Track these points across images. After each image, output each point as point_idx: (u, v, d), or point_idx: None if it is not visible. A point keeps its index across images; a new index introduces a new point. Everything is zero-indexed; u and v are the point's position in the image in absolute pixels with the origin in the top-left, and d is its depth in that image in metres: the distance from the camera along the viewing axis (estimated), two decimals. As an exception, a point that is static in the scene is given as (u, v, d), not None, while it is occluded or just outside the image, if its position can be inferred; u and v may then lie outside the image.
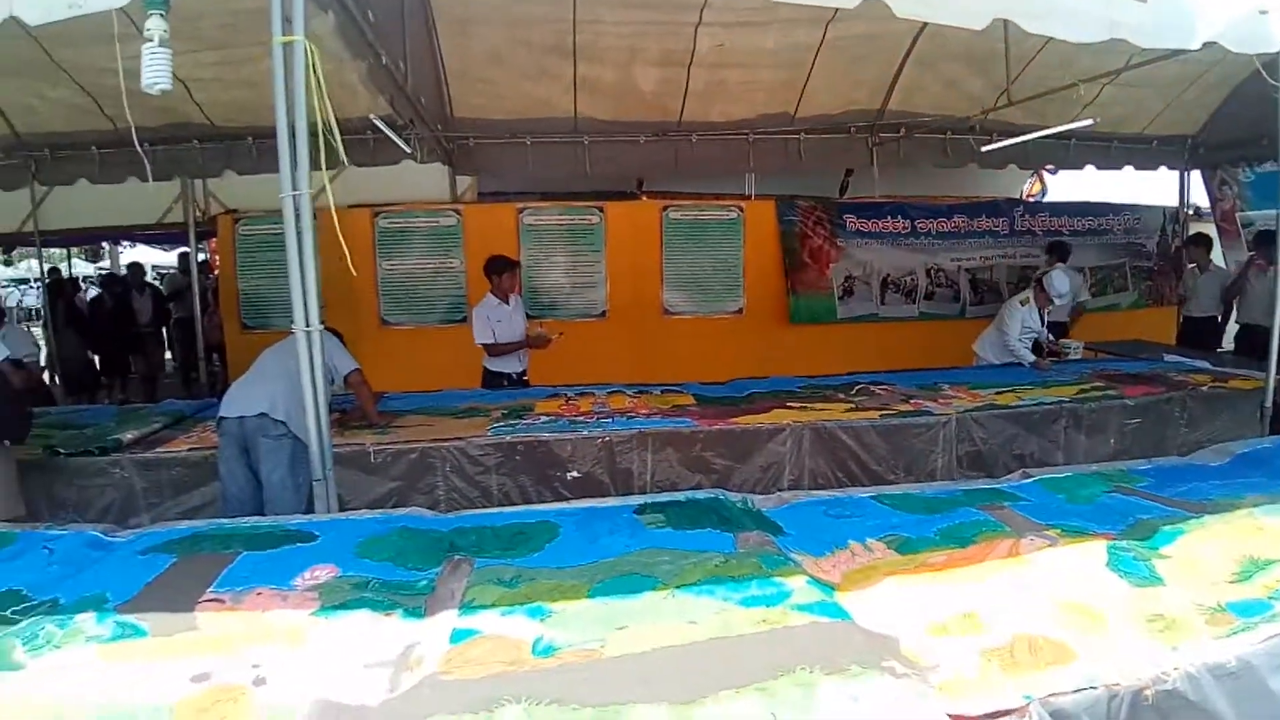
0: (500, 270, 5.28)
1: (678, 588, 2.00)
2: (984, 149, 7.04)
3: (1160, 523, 2.43)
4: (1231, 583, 2.03)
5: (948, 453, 4.02)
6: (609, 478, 3.82)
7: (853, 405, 4.39)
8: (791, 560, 2.18)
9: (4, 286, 16.27)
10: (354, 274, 3.44)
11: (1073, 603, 1.94)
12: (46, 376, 7.62)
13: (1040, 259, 7.56)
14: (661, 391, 4.82)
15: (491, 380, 5.30)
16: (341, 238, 2.81)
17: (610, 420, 4.12)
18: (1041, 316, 5.88)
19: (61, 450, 3.80)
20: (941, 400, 4.46)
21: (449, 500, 3.69)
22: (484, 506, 3.36)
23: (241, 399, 3.69)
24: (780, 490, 3.23)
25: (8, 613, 1.97)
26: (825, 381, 4.98)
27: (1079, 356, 6.12)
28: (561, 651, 1.74)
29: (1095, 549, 2.23)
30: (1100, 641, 1.77)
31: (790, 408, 4.30)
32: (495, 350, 5.23)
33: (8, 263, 16.35)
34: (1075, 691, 1.58)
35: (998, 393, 4.60)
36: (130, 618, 1.94)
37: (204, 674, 1.70)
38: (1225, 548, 2.22)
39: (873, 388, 4.77)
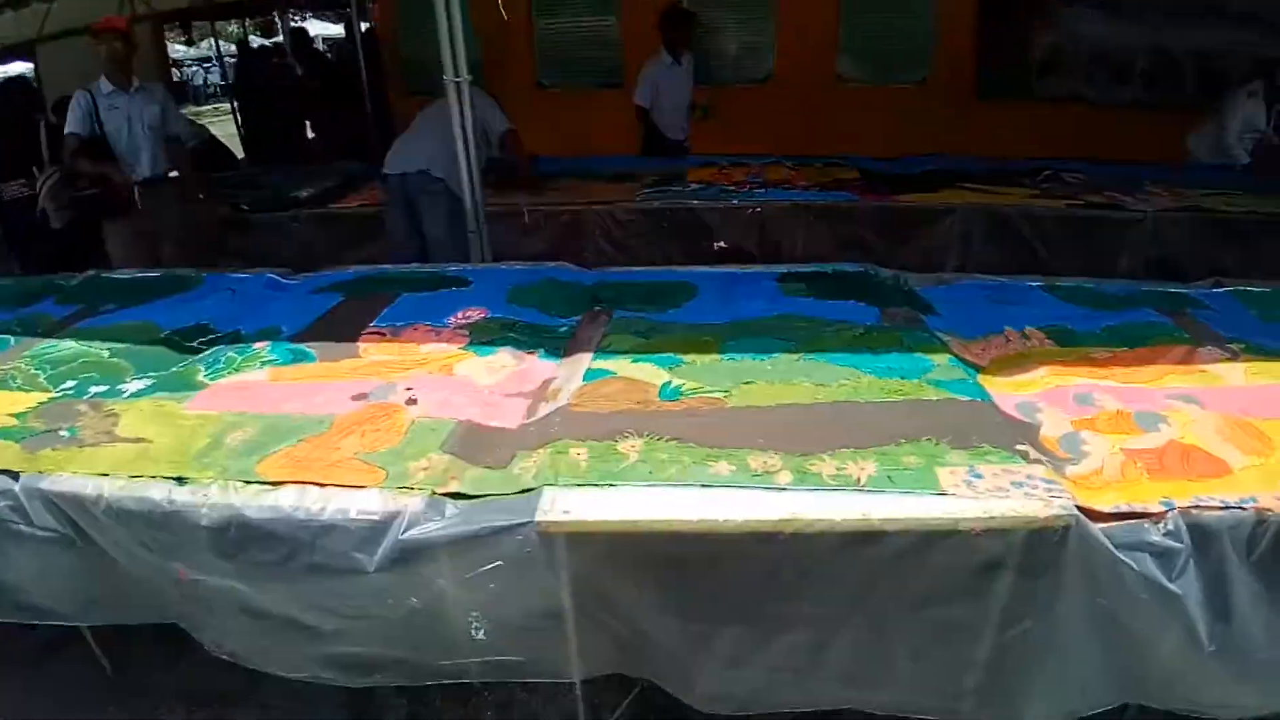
0: (675, 23, 4.95)
1: (810, 352, 1.97)
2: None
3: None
4: None
5: (1137, 255, 3.59)
6: (757, 250, 3.74)
7: (1037, 192, 3.94)
8: (938, 339, 2.08)
9: (188, 66, 17.08)
10: (505, 19, 3.33)
11: (1242, 420, 1.74)
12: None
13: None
14: (824, 164, 4.53)
15: (651, 145, 5.16)
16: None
17: (764, 191, 3.96)
18: (1269, 114, 4.90)
19: (246, 206, 4.16)
20: (1139, 196, 3.93)
21: (596, 264, 3.77)
22: (628, 267, 3.42)
23: (403, 156, 3.82)
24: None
25: (195, 343, 2.26)
26: (1011, 166, 4.47)
27: None
28: (687, 397, 1.80)
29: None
30: (1263, 465, 1.58)
31: (965, 189, 3.93)
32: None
33: (189, 43, 17.06)
34: (1223, 508, 1.45)
35: (1205, 195, 3.98)
36: (301, 345, 2.18)
37: (362, 394, 1.90)
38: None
39: (1064, 175, 4.25)
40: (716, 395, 1.80)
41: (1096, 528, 1.41)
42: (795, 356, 1.96)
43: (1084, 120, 6.44)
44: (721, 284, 2.52)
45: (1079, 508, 1.42)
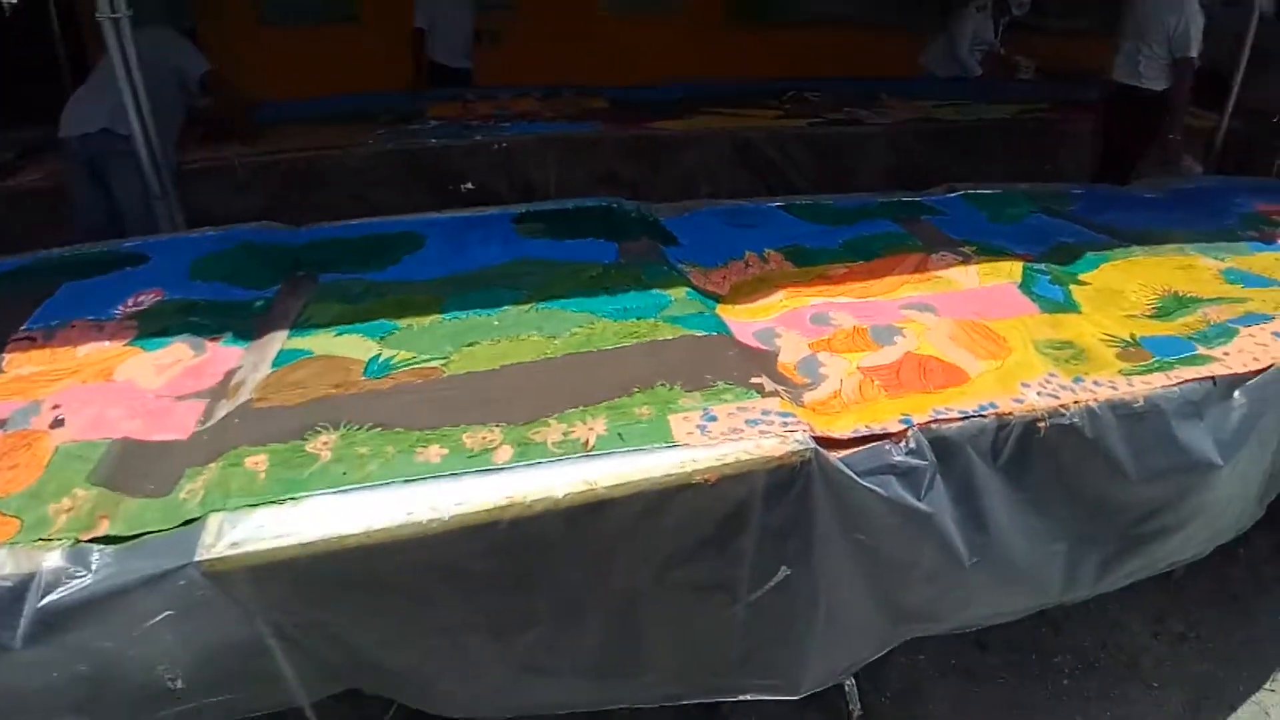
0: None
1: (543, 301, 1.78)
2: None
3: (1084, 248, 2.24)
4: (1149, 316, 1.89)
5: (876, 167, 3.72)
6: (508, 191, 3.47)
7: (781, 113, 3.98)
8: (676, 270, 1.96)
9: None
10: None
11: (976, 323, 1.78)
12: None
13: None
14: (575, 94, 4.30)
15: (434, 76, 4.65)
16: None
17: (510, 125, 3.67)
18: (997, 26, 5.30)
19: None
20: (876, 110, 4.08)
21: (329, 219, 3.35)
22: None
23: (80, 114, 3.11)
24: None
25: None
26: (757, 88, 4.49)
27: (1030, 76, 5.59)
28: (397, 371, 1.54)
29: (1010, 269, 2.06)
30: (999, 367, 1.61)
31: (714, 114, 3.88)
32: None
33: None
34: (962, 418, 1.44)
35: (937, 106, 4.21)
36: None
37: (-1, 422, 1.47)
38: (1148, 280, 2.06)
39: (807, 95, 4.33)
40: (433, 364, 1.56)
41: (836, 458, 1.35)
42: (526, 307, 1.76)
43: (825, 40, 6.67)
44: (451, 230, 2.25)
45: (817, 438, 1.35)
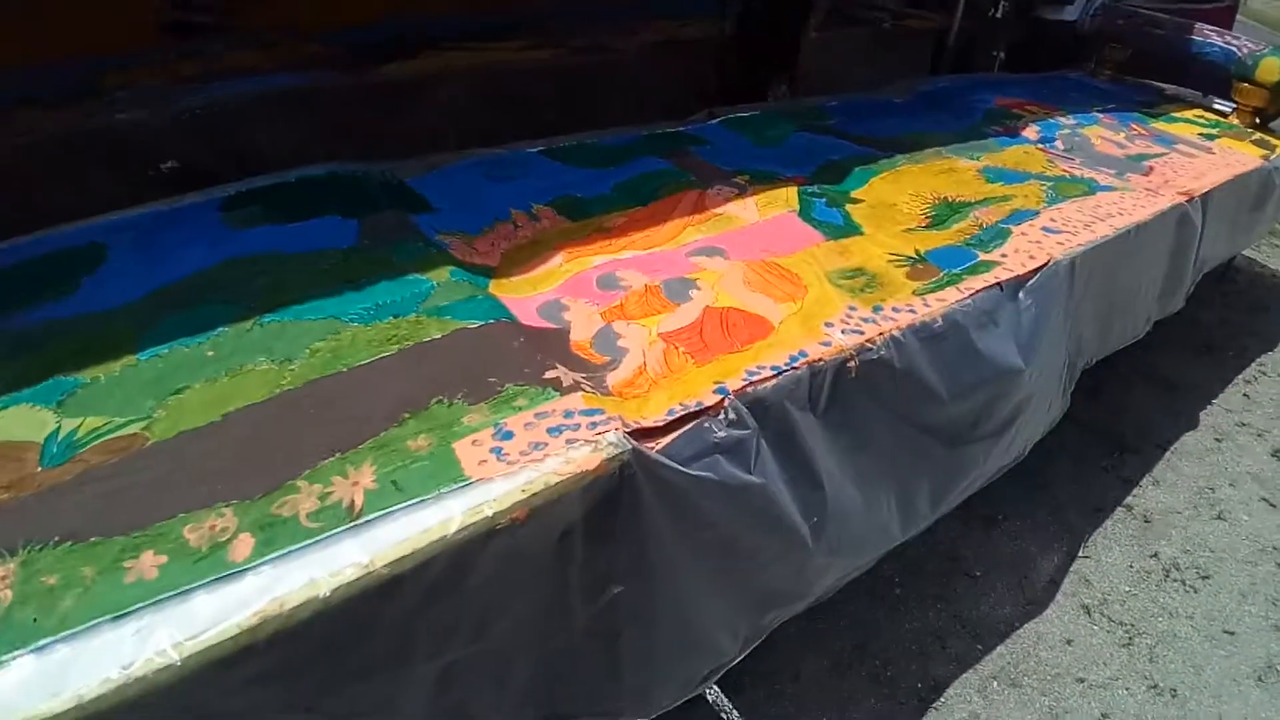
0: None
1: (269, 312, 1.42)
2: None
3: (850, 163, 2.22)
4: (927, 227, 1.88)
5: (630, 96, 3.52)
6: (220, 167, 2.90)
7: (524, 45, 3.64)
8: (435, 244, 1.66)
9: None
10: None
11: (767, 263, 1.67)
12: None
13: None
14: (291, 41, 3.65)
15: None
16: None
17: (214, 85, 3.04)
18: None
19: None
20: (625, 33, 3.86)
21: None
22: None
23: None
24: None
25: None
26: (486, 20, 4.08)
27: None
28: (84, 449, 1.15)
29: (787, 196, 1.97)
30: (799, 310, 1.52)
31: (449, 51, 3.46)
32: None
33: None
34: (776, 374, 1.33)
35: (682, 24, 4.06)
36: None
37: None
38: (917, 189, 2.07)
39: (549, 24, 4.00)
40: (131, 430, 1.17)
41: (656, 452, 1.17)
42: (248, 324, 1.39)
43: None
44: (142, 233, 1.77)
45: (632, 433, 1.17)
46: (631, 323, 1.47)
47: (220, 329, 1.38)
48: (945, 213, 1.95)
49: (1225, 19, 6.93)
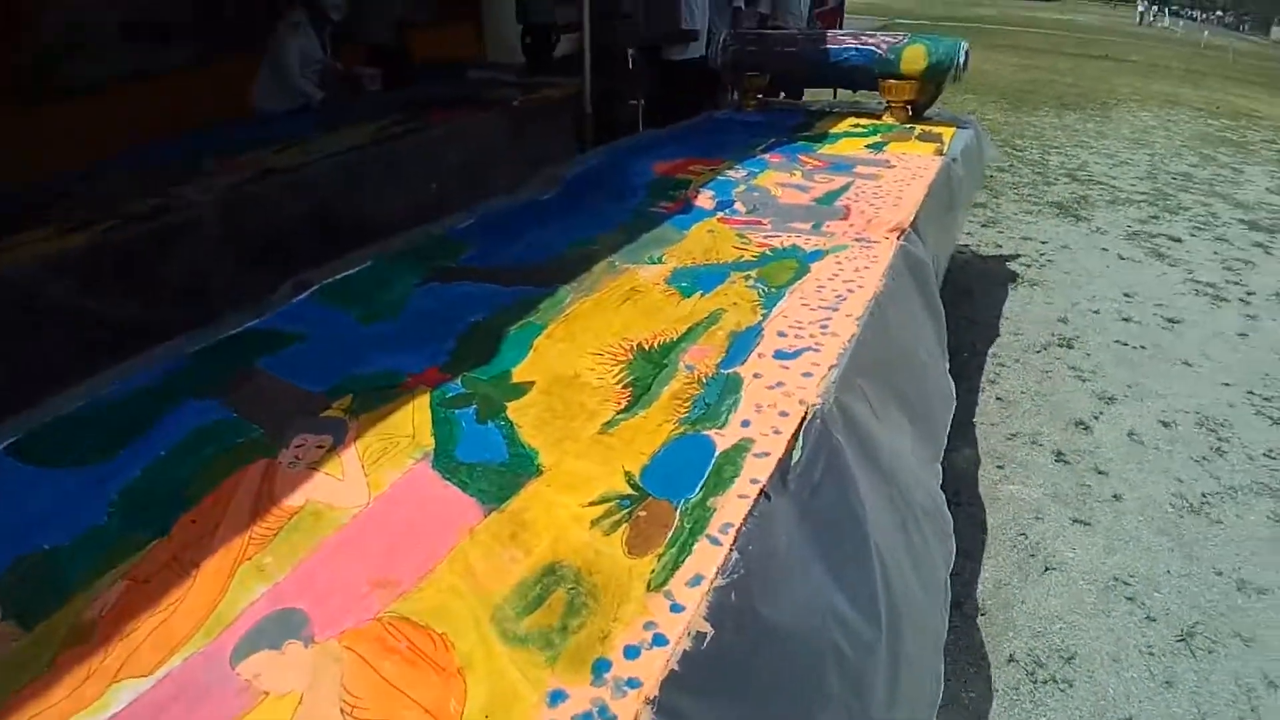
0: None
1: None
2: None
3: (502, 321, 1.56)
4: (627, 410, 1.25)
5: (197, 264, 2.62)
6: None
7: (62, 226, 2.59)
8: None
9: None
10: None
11: (387, 622, 0.91)
12: None
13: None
14: None
15: None
16: None
17: None
18: (322, 40, 4.49)
19: None
20: (199, 182, 2.98)
21: None
22: None
23: None
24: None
25: None
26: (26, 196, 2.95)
27: (378, 86, 4.88)
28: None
29: (414, 426, 1.23)
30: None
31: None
32: None
33: None
34: None
35: (276, 152, 3.27)
36: None
37: None
38: (599, 341, 1.46)
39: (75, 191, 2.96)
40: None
41: None
42: None
43: (124, 107, 5.06)
44: None
45: None
46: None
47: None
48: (646, 373, 1.35)
49: (834, 19, 7.47)
